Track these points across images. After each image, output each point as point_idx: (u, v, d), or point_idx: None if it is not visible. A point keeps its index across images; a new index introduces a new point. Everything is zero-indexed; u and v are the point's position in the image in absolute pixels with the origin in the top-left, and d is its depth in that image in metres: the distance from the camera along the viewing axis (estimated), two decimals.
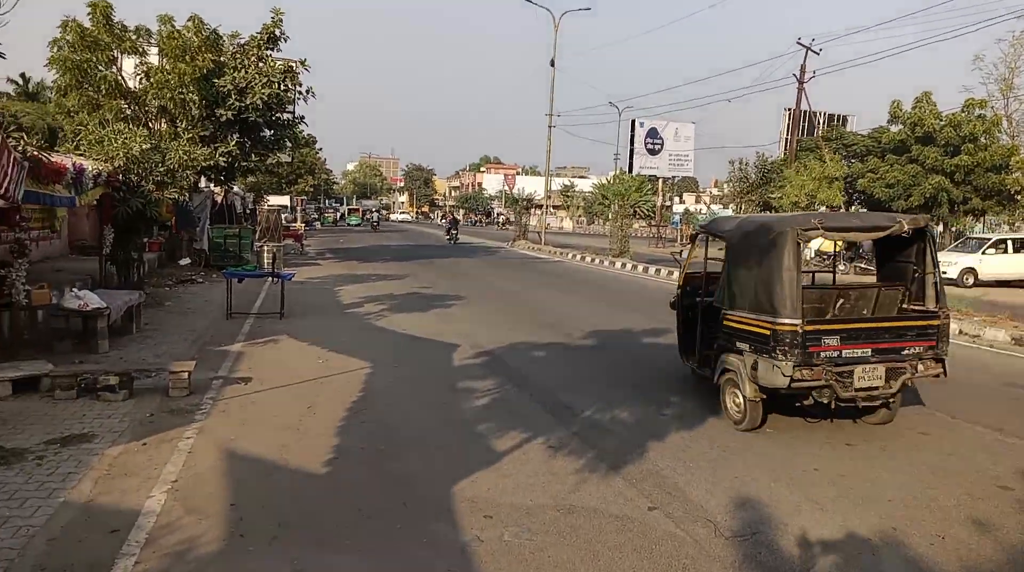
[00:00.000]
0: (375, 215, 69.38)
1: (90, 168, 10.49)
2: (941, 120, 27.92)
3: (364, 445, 6.16)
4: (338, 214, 77.54)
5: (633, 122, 43.77)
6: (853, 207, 33.54)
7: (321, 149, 67.42)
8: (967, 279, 21.43)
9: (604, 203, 60.26)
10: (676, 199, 76.16)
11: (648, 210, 58.19)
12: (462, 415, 7.22)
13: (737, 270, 6.98)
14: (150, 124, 19.14)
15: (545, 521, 4.77)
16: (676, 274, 9.43)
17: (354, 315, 13.50)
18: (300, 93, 22.10)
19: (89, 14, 17.97)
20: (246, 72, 20.22)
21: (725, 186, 47.65)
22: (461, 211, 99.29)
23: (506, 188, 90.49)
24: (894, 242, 7.15)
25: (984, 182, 26.98)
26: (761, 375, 6.39)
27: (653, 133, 43.58)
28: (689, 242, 9.36)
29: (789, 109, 39.89)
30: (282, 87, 21.00)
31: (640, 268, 24.86)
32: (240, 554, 4.24)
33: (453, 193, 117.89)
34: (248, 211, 37.25)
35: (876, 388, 6.40)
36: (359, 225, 65.37)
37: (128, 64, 19.33)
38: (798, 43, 33.47)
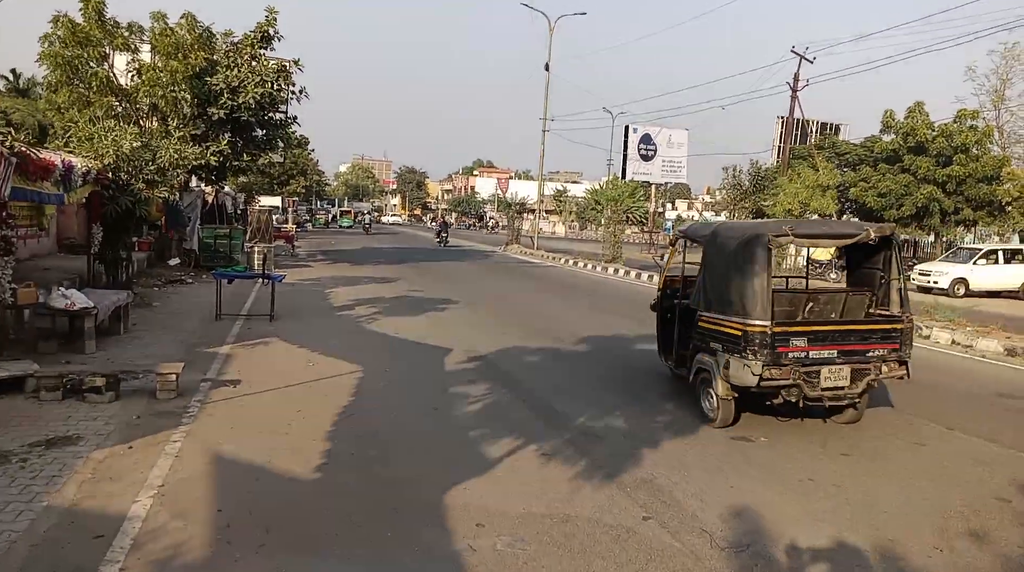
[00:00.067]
0: (367, 217, 69.19)
1: (79, 165, 10.36)
2: (933, 130, 28.05)
3: (354, 450, 6.07)
4: (330, 216, 77.30)
5: (627, 128, 43.79)
6: (845, 216, 33.67)
7: (313, 150, 67.37)
8: (958, 289, 21.49)
9: (597, 208, 60.50)
10: (669, 205, 76.50)
11: (641, 216, 58.46)
12: (454, 420, 7.14)
13: (712, 273, 7.24)
14: (141, 122, 18.95)
15: (539, 530, 4.70)
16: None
17: (345, 318, 13.39)
18: (293, 93, 21.94)
19: (81, 10, 17.75)
20: (239, 71, 20.08)
21: (718, 193, 47.80)
22: (453, 215, 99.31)
23: (499, 192, 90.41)
24: (862, 249, 7.50)
25: (975, 193, 27.13)
26: (732, 374, 6.65)
27: (647, 139, 43.63)
28: (670, 246, 9.57)
29: (782, 117, 40.07)
30: (275, 86, 20.89)
31: (632, 274, 24.85)
32: (227, 561, 4.15)
33: (446, 196, 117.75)
34: (239, 212, 37.00)
35: (842, 388, 6.70)
36: (351, 227, 65.17)
37: (120, 61, 19.14)
38: (792, 51, 33.65)
